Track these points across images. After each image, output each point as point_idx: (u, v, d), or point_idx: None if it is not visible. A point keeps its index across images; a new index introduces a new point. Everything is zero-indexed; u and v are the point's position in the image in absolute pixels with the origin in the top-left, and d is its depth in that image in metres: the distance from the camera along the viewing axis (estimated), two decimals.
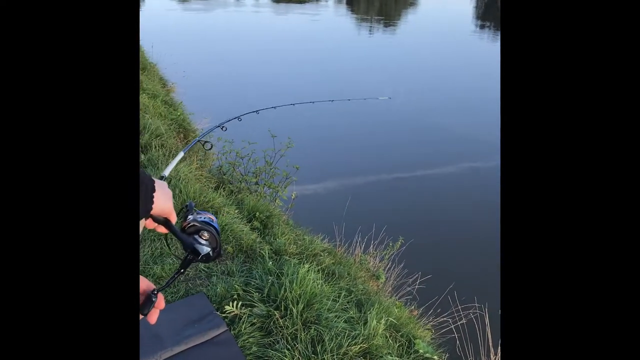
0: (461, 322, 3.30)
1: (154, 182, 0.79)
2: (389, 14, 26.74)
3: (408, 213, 6.07)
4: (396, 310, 3.07)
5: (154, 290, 0.78)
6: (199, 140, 2.64)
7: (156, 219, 0.82)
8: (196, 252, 0.85)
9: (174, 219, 0.85)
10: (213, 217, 0.90)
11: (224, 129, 2.79)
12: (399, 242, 4.10)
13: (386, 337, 2.62)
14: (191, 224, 0.87)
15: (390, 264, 4.00)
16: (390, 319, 2.74)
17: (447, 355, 2.96)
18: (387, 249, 4.08)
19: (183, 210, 0.91)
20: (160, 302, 0.79)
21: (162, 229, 0.85)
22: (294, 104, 3.68)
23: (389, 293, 3.69)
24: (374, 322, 2.55)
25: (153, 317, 0.79)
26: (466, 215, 5.97)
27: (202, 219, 0.88)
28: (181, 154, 2.22)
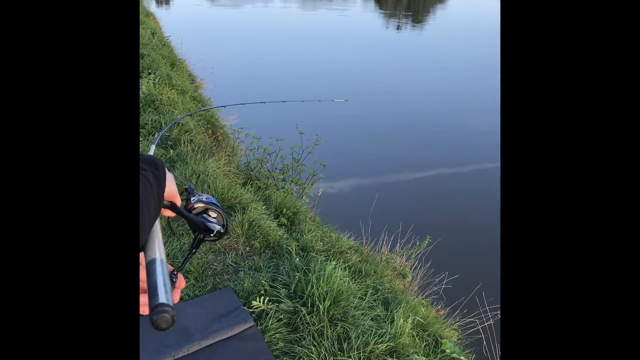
0: (488, 322, 3.26)
1: (164, 165, 0.80)
2: (416, 11, 26.48)
3: (436, 212, 6.02)
4: (423, 309, 3.05)
5: (173, 271, 0.80)
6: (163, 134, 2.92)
7: (163, 204, 0.83)
8: (209, 230, 0.88)
9: (178, 201, 0.86)
10: (212, 197, 0.93)
11: (180, 124, 2.99)
12: (426, 241, 4.07)
13: (413, 336, 2.60)
14: (197, 204, 0.89)
15: (416, 263, 3.97)
16: (417, 318, 2.72)
17: (473, 356, 2.93)
18: (414, 248, 4.05)
19: (184, 193, 0.93)
20: (181, 282, 0.80)
21: (168, 213, 0.86)
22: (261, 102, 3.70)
23: (415, 292, 3.67)
24: (401, 320, 2.54)
25: (176, 297, 0.80)
26: (494, 215, 5.88)
27: (205, 199, 0.91)
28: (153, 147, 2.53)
